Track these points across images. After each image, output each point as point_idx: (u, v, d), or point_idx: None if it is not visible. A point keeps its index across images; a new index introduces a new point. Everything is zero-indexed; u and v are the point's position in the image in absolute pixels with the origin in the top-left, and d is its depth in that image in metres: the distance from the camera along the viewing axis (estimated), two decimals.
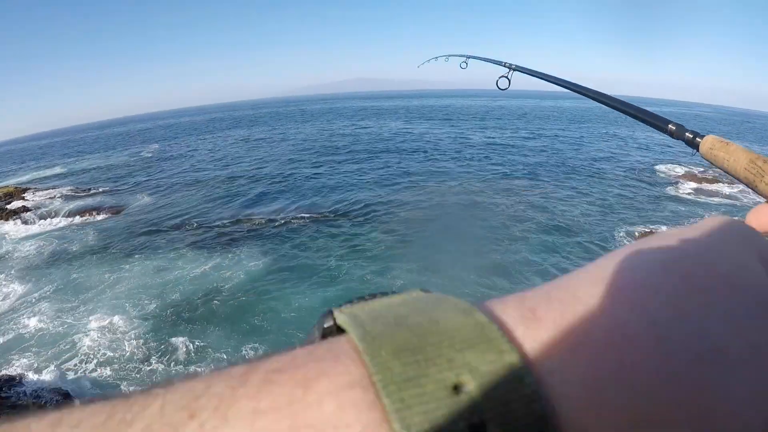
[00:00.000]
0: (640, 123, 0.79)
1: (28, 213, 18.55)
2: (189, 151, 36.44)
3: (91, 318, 9.75)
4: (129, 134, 66.95)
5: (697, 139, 0.55)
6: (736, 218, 0.22)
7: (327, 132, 41.35)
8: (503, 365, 0.13)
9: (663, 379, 0.14)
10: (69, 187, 24.23)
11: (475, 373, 0.13)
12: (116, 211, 18.46)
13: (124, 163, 33.17)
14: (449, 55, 2.90)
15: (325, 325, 0.17)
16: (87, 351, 8.65)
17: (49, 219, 17.84)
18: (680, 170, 20.80)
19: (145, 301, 10.29)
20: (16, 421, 0.14)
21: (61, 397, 7.25)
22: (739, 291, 0.17)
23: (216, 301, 10.10)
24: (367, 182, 20.06)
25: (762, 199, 0.41)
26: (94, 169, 31.64)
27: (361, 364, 0.14)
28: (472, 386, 0.13)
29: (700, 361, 0.15)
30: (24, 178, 30.20)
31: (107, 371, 8.08)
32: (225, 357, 7.98)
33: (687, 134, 0.59)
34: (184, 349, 8.49)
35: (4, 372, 8.11)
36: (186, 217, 16.56)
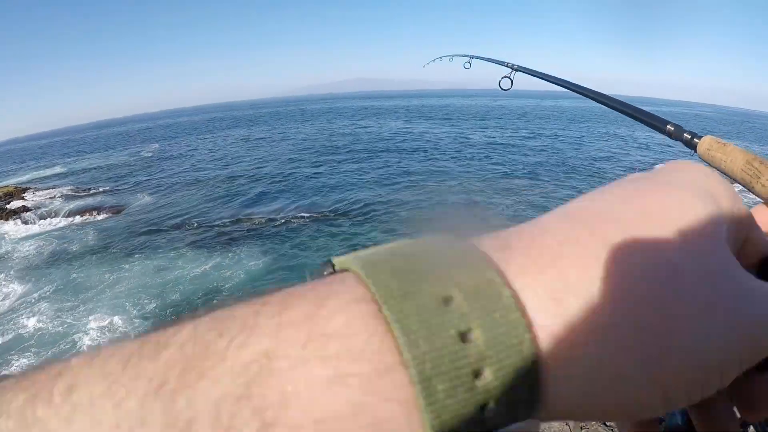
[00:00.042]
0: (640, 123, 0.79)
1: (28, 213, 18.56)
2: (189, 150, 36.45)
3: (91, 318, 9.76)
4: (129, 134, 66.95)
5: (695, 140, 0.55)
6: (699, 164, 0.24)
7: (327, 132, 41.36)
8: (485, 281, 0.16)
9: (620, 288, 0.17)
10: (69, 187, 24.24)
11: (461, 287, 0.15)
12: (116, 210, 18.47)
13: (124, 162, 33.18)
14: (453, 55, 2.91)
15: (326, 273, 0.19)
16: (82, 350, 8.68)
17: (49, 219, 17.84)
18: None
19: (145, 301, 10.29)
20: (58, 362, 0.15)
21: None
22: (687, 222, 0.19)
23: (216, 301, 10.09)
24: (367, 181, 20.07)
25: (759, 200, 0.41)
26: (94, 168, 31.64)
27: (364, 285, 0.16)
28: (459, 299, 0.15)
29: (656, 280, 0.17)
30: (24, 178, 30.20)
31: None
32: None
33: (685, 135, 0.59)
34: None
35: (3, 372, 8.11)
36: (186, 216, 16.57)
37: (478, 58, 2.37)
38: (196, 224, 15.44)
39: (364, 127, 43.38)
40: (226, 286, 10.72)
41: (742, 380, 0.21)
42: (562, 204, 0.21)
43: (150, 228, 15.50)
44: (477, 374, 0.15)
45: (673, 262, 0.18)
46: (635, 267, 0.17)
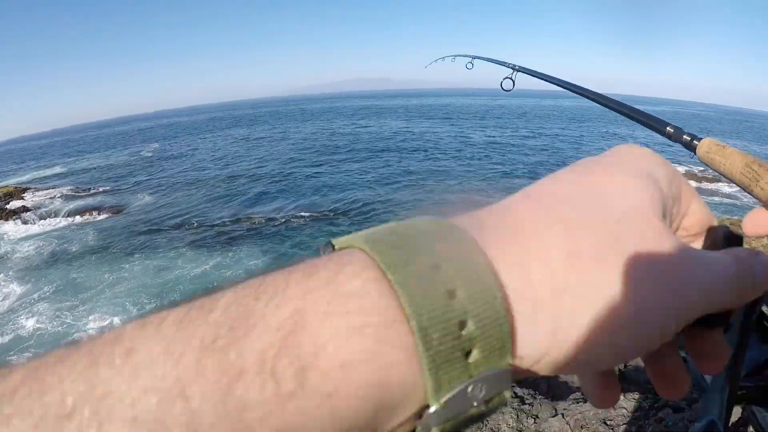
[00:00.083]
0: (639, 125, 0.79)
1: (28, 213, 18.56)
2: (189, 150, 36.45)
3: (90, 317, 9.76)
4: (129, 133, 66.95)
5: (695, 142, 0.55)
6: (641, 147, 0.27)
7: (327, 131, 41.36)
8: (466, 251, 0.20)
9: (571, 254, 0.20)
10: (69, 187, 24.24)
11: (447, 257, 0.19)
12: (116, 210, 18.48)
13: (124, 162, 33.18)
14: (456, 56, 2.90)
15: (326, 253, 0.22)
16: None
17: (49, 219, 17.84)
18: (680, 169, 20.37)
19: (145, 301, 10.29)
20: (111, 331, 0.18)
21: None
22: (627, 198, 0.23)
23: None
24: (367, 181, 20.08)
25: (758, 203, 0.41)
26: (94, 168, 31.64)
27: (369, 257, 0.19)
28: (446, 265, 0.19)
29: (600, 247, 0.21)
30: (24, 178, 30.19)
31: None
32: None
33: (684, 137, 0.59)
34: None
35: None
36: (186, 216, 16.57)
37: (480, 58, 2.37)
38: (196, 224, 15.45)
39: (365, 126, 43.39)
40: None
41: (693, 336, 0.26)
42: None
43: (150, 228, 15.50)
44: (462, 325, 0.18)
45: (614, 231, 0.21)
46: (583, 237, 0.21)
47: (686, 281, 0.22)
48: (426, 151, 27.47)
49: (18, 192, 22.79)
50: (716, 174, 0.50)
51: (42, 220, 17.71)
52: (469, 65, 2.52)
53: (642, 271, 0.21)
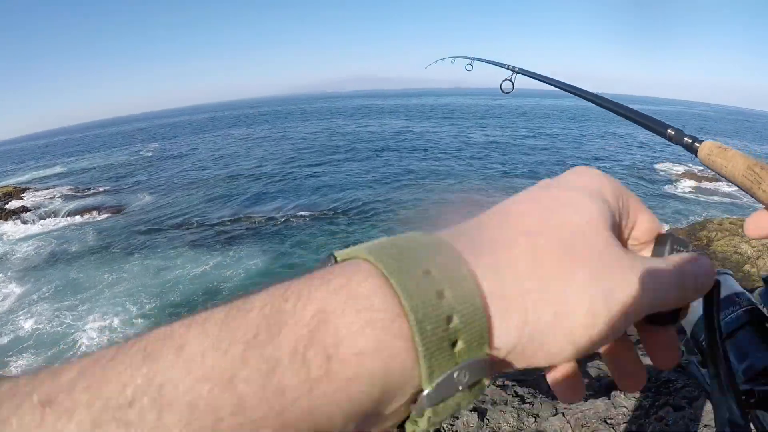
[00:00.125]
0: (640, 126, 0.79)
1: (28, 213, 18.55)
2: (189, 149, 36.43)
3: (90, 317, 9.75)
4: (129, 133, 66.90)
5: (696, 145, 0.55)
6: (592, 169, 0.31)
7: (327, 131, 41.33)
8: (451, 260, 0.24)
9: (532, 262, 0.24)
10: (69, 187, 24.23)
11: (437, 265, 0.23)
12: (116, 210, 18.47)
13: (124, 162, 33.16)
14: (455, 57, 2.87)
15: (329, 264, 0.25)
16: (87, 350, 8.61)
17: (48, 219, 17.83)
18: (680, 169, 20.80)
19: (145, 300, 10.28)
20: (160, 329, 0.21)
21: None
22: (579, 214, 0.27)
23: (216, 300, 10.00)
24: (367, 180, 20.07)
25: (760, 205, 0.41)
26: (94, 168, 31.61)
27: (374, 266, 0.23)
28: (435, 272, 0.23)
29: (557, 256, 0.25)
30: (23, 178, 30.18)
31: None
32: None
33: (685, 139, 0.59)
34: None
35: (1, 373, 8.09)
36: (186, 216, 16.56)
37: (479, 60, 2.36)
38: (196, 223, 15.44)
39: (365, 125, 43.36)
40: (227, 285, 10.72)
41: (645, 333, 0.30)
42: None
43: (150, 227, 15.49)
44: (449, 320, 0.22)
45: (569, 241, 0.26)
46: (543, 247, 0.25)
47: (631, 284, 0.25)
48: (426, 150, 27.47)
49: (17, 192, 22.78)
50: (716, 173, 0.50)
51: (41, 220, 17.70)
52: (469, 67, 2.51)
53: (592, 275, 0.25)
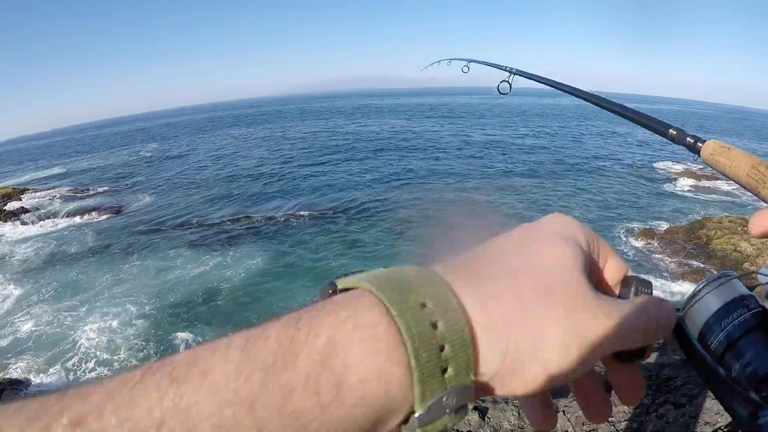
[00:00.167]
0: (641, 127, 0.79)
1: (27, 214, 18.50)
2: (188, 149, 36.37)
3: (90, 318, 9.72)
4: (128, 133, 66.73)
5: (699, 144, 0.55)
6: (566, 217, 0.34)
7: (327, 130, 41.28)
8: (443, 293, 0.26)
9: (515, 297, 0.27)
10: (68, 188, 24.19)
11: (430, 297, 0.25)
12: (116, 211, 18.43)
13: (123, 162, 33.10)
14: (452, 59, 2.86)
15: (330, 291, 0.27)
16: (86, 351, 8.62)
17: (47, 220, 17.79)
18: (679, 167, 20.79)
19: (145, 301, 10.26)
20: (184, 354, 0.23)
21: None
22: (556, 257, 0.30)
23: (216, 300, 10.09)
24: (367, 180, 20.04)
25: (764, 204, 0.41)
26: (94, 169, 31.54)
27: (375, 297, 0.25)
28: (430, 304, 0.25)
29: (537, 294, 0.27)
30: (23, 179, 30.11)
31: (107, 371, 8.06)
32: None
33: (688, 139, 0.59)
34: (185, 348, 8.46)
35: (1, 374, 8.07)
36: (186, 216, 16.54)
37: (476, 62, 2.35)
38: (195, 224, 15.42)
39: (365, 125, 43.31)
40: (226, 285, 10.70)
41: (612, 369, 0.33)
42: (526, 221, 0.33)
43: (149, 228, 15.46)
44: (441, 349, 0.24)
45: (546, 280, 0.28)
46: (523, 284, 0.28)
47: (599, 323, 0.28)
48: (426, 149, 27.44)
49: (16, 193, 22.73)
50: (715, 172, 0.49)
51: (41, 222, 17.66)
52: (465, 69, 2.50)
53: (566, 311, 0.27)
